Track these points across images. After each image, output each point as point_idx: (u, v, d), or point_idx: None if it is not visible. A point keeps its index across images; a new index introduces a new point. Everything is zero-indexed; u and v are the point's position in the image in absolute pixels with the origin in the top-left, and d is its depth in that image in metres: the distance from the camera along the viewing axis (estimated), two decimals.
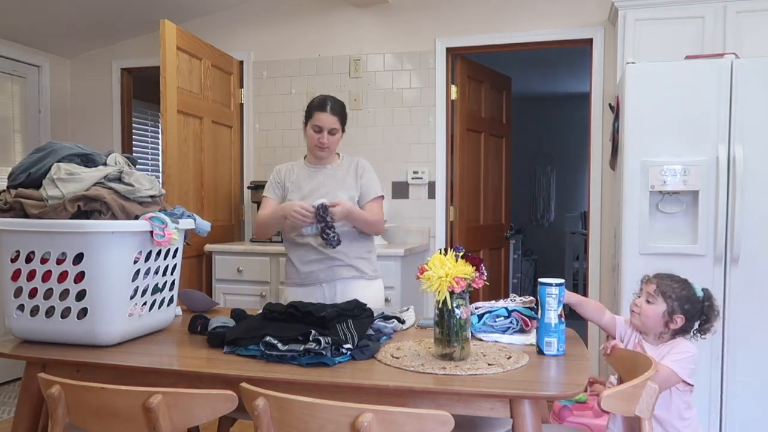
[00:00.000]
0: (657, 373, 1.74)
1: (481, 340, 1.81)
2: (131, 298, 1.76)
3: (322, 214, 2.22)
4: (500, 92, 4.61)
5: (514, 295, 2.02)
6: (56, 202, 1.72)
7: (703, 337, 1.87)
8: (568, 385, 1.41)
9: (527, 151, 7.40)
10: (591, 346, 3.70)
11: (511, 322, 1.85)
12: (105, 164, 1.88)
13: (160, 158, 5.44)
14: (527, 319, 1.85)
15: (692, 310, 1.82)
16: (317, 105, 2.44)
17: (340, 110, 2.45)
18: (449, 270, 1.54)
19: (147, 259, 1.79)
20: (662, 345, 1.84)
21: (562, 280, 1.66)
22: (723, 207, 2.75)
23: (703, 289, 1.86)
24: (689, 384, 1.77)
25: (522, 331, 1.85)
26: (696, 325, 1.84)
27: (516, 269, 6.21)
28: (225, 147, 4.15)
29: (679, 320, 1.81)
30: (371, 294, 2.42)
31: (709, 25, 3.16)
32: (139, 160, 5.61)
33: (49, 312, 1.73)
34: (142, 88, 5.03)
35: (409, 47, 4.00)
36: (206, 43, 3.87)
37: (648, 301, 1.84)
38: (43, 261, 1.71)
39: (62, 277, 1.70)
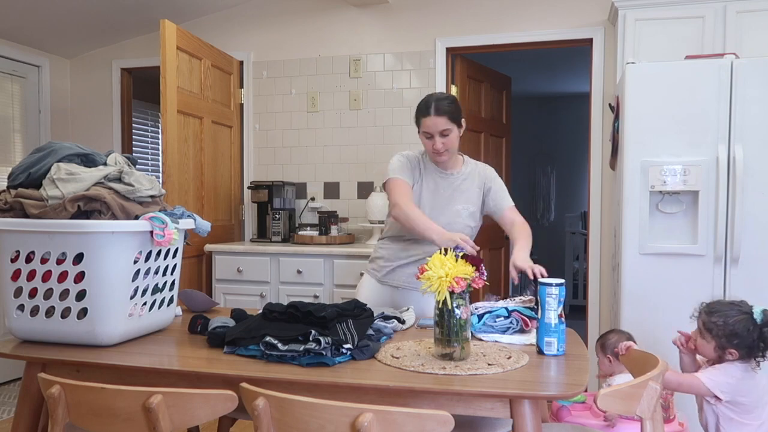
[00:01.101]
0: (678, 377, 1.81)
1: (481, 340, 1.81)
2: (131, 298, 1.76)
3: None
4: (500, 92, 4.61)
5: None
6: (56, 202, 1.72)
7: None
8: (568, 385, 1.41)
9: (527, 151, 7.40)
10: (591, 346, 3.70)
11: (511, 322, 1.85)
12: (105, 164, 1.88)
13: (160, 158, 5.45)
14: (527, 319, 1.85)
15: (745, 342, 1.77)
16: (422, 109, 2.24)
17: (447, 107, 2.21)
18: (449, 270, 1.54)
19: (147, 259, 1.79)
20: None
21: (562, 280, 1.66)
22: (723, 207, 2.75)
23: (763, 311, 1.78)
24: (718, 398, 1.79)
25: (522, 331, 1.85)
26: (758, 354, 1.78)
27: None
28: (225, 147, 4.15)
29: (734, 353, 1.80)
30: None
31: (709, 25, 3.16)
32: (139, 160, 5.61)
33: (49, 312, 1.73)
34: (142, 88, 5.03)
35: (409, 47, 4.00)
36: (206, 43, 3.87)
37: (702, 337, 1.85)
38: (43, 261, 1.71)
39: (62, 277, 1.70)
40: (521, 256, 2.11)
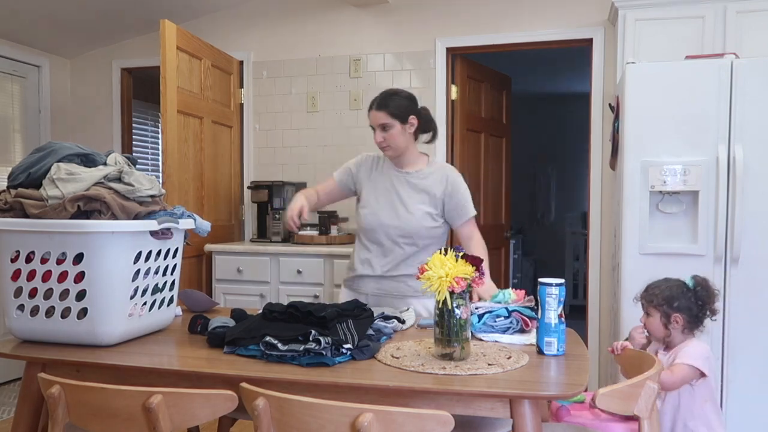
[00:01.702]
0: (672, 375, 1.80)
1: (481, 340, 1.81)
2: (131, 298, 1.76)
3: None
4: (500, 92, 4.61)
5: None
6: (56, 202, 1.72)
7: (713, 319, 1.95)
8: (568, 385, 1.41)
9: (527, 151, 7.40)
10: (591, 346, 3.70)
11: (511, 322, 1.85)
12: (105, 164, 1.87)
13: (160, 158, 5.44)
14: (527, 319, 1.85)
15: (685, 303, 1.91)
16: (370, 104, 2.30)
17: (391, 102, 2.25)
18: (449, 270, 1.54)
19: (147, 259, 1.79)
20: (672, 350, 1.93)
21: (562, 280, 1.66)
22: (723, 207, 2.75)
23: (693, 277, 1.95)
24: (704, 375, 1.85)
25: (522, 331, 1.85)
26: (699, 313, 1.92)
27: (516, 269, 6.22)
28: (225, 147, 4.15)
29: (679, 319, 1.90)
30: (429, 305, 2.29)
31: (709, 25, 3.16)
32: (139, 160, 5.58)
33: (49, 312, 1.73)
34: (142, 88, 5.03)
35: (409, 47, 4.00)
36: (206, 43, 3.87)
37: (647, 314, 1.96)
38: (43, 261, 1.71)
39: (62, 277, 1.70)
40: (487, 284, 2.08)
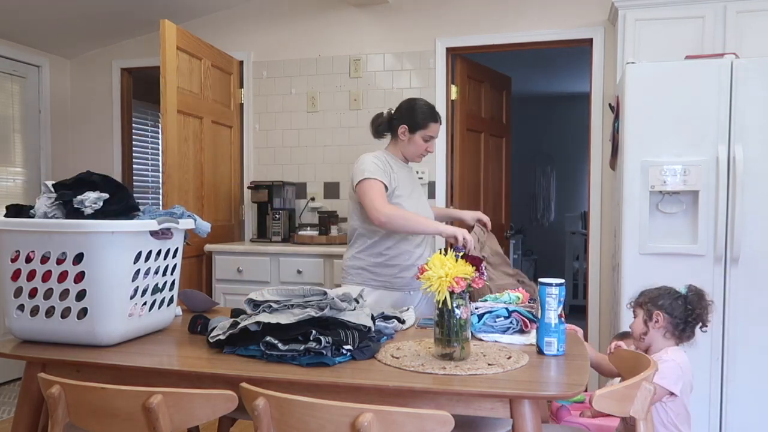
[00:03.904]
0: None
1: (481, 340, 1.81)
2: (131, 298, 1.76)
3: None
4: (500, 92, 4.61)
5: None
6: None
7: (703, 330, 1.93)
8: (568, 385, 1.41)
9: (527, 151, 7.40)
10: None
11: (511, 322, 1.85)
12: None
13: (160, 158, 5.44)
14: (527, 321, 1.85)
15: (669, 303, 1.91)
16: (431, 116, 2.49)
17: None
18: (449, 270, 1.54)
19: (147, 259, 1.79)
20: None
21: (562, 280, 1.66)
22: (723, 207, 2.76)
23: (687, 286, 1.96)
24: (673, 394, 1.81)
25: (522, 331, 1.85)
26: (687, 318, 1.91)
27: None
28: (225, 147, 4.15)
29: (660, 317, 1.91)
30: None
31: (709, 25, 3.16)
32: (139, 160, 5.56)
33: (49, 312, 1.73)
34: (142, 88, 5.03)
35: (409, 47, 4.00)
36: (206, 43, 3.87)
37: (634, 316, 1.96)
38: (43, 261, 1.71)
39: (62, 277, 1.70)
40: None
